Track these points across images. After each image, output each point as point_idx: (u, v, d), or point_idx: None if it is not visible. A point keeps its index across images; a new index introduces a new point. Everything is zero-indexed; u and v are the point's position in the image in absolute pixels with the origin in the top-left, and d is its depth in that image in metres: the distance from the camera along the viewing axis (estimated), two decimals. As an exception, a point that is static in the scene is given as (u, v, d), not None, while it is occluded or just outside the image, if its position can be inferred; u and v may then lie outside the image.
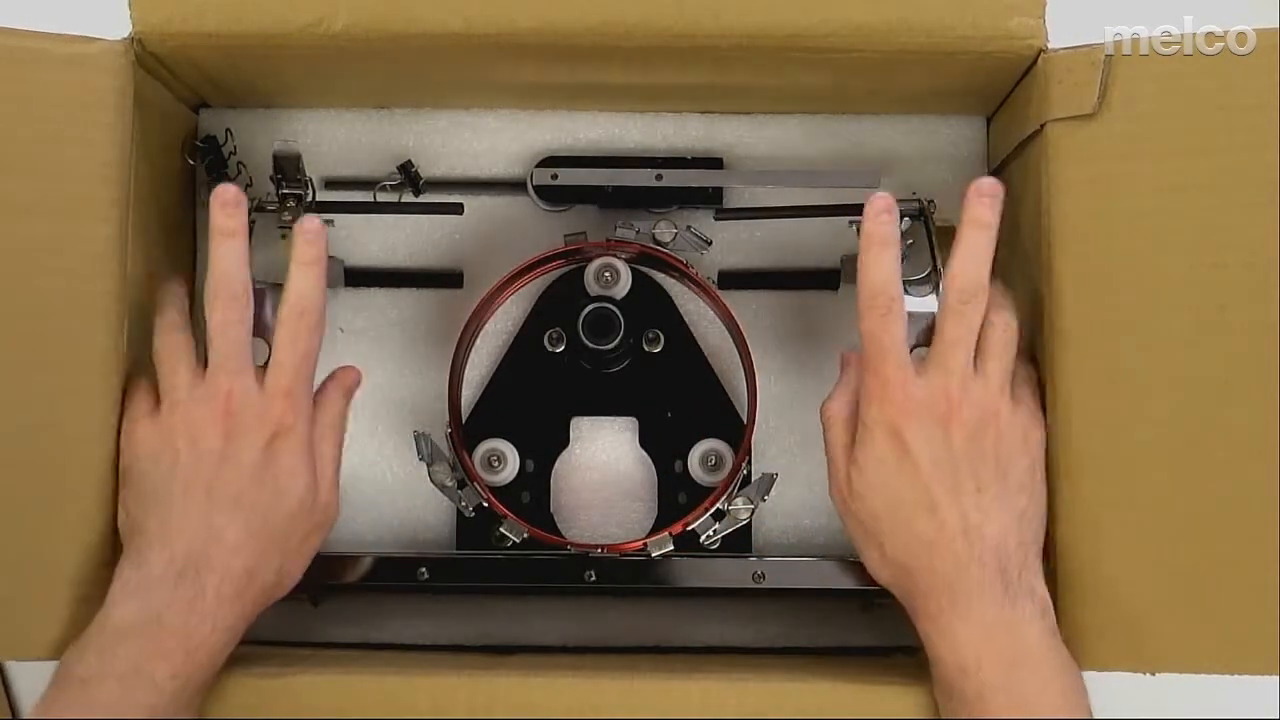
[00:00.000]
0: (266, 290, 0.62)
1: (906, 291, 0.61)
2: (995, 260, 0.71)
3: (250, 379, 0.58)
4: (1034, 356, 0.62)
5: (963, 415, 0.57)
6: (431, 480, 0.65)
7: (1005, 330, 0.59)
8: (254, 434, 0.57)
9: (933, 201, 0.65)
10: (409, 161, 0.71)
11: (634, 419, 0.71)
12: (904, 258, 0.62)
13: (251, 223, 0.64)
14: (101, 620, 0.56)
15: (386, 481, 0.72)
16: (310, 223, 0.59)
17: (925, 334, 0.60)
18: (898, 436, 0.57)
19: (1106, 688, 0.58)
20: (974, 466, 0.56)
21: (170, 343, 0.60)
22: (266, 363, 0.59)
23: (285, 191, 0.66)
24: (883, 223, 0.58)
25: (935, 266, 0.62)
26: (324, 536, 0.61)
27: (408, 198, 0.70)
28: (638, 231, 0.68)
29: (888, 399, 0.57)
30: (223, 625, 0.56)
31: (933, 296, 0.61)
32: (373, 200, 0.70)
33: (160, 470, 0.57)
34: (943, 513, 0.56)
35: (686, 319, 0.71)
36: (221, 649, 0.57)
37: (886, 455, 0.57)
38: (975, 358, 0.58)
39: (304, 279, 0.59)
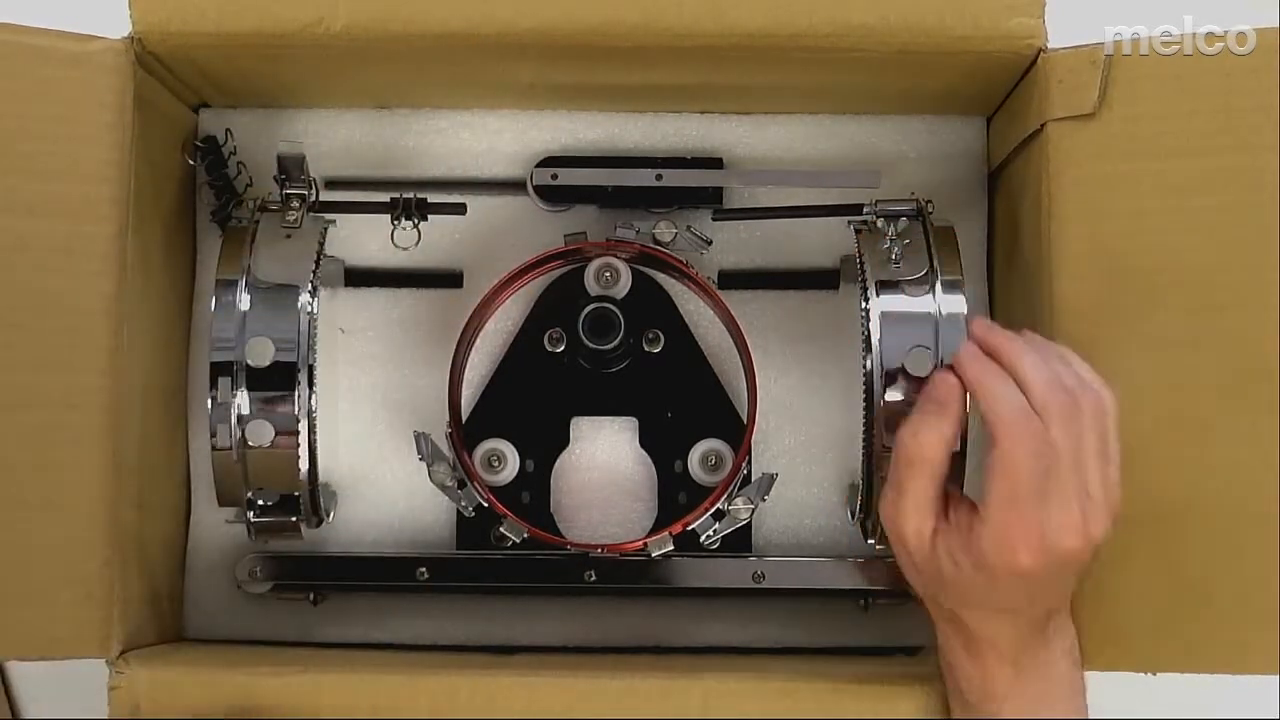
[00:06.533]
0: (269, 292, 0.62)
1: (903, 292, 0.61)
2: (993, 264, 0.72)
3: None
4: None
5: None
6: (431, 480, 0.65)
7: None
8: None
9: (930, 202, 0.65)
10: (404, 198, 0.68)
11: (634, 419, 0.71)
12: (902, 257, 0.62)
13: (255, 223, 0.64)
14: None
15: (386, 481, 0.72)
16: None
17: (926, 336, 0.60)
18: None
19: (1107, 688, 0.58)
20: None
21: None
22: (272, 364, 0.60)
23: (289, 192, 0.65)
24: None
25: (932, 266, 0.62)
26: None
27: (408, 227, 0.68)
28: (638, 231, 0.68)
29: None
30: None
31: (929, 297, 0.61)
32: (373, 201, 0.70)
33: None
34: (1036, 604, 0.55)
35: (686, 319, 0.71)
36: None
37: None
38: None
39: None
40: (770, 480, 0.66)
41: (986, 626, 0.54)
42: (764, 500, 0.66)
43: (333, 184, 0.71)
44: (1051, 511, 0.50)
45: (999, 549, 0.51)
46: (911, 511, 0.54)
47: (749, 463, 0.69)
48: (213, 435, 0.61)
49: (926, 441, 0.53)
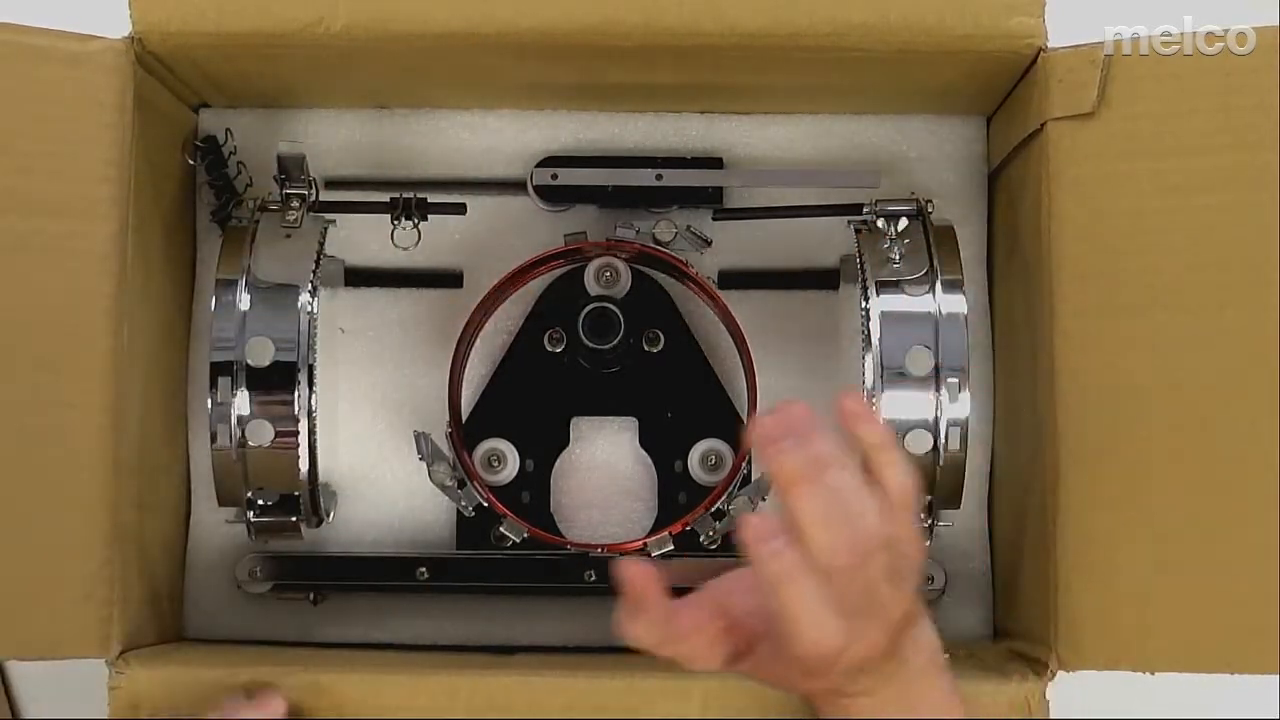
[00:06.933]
0: (269, 292, 0.62)
1: (903, 291, 0.61)
2: (993, 264, 0.72)
3: None
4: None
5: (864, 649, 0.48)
6: (431, 480, 0.65)
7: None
8: None
9: (931, 201, 0.65)
10: (404, 198, 0.68)
11: (634, 419, 0.71)
12: (902, 256, 0.62)
13: (255, 223, 0.64)
14: None
15: (386, 481, 0.72)
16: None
17: (926, 336, 0.60)
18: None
19: (1107, 688, 0.58)
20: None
21: None
22: (272, 364, 0.60)
23: (289, 192, 0.66)
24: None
25: (932, 266, 0.62)
26: None
27: (408, 227, 0.69)
28: (638, 231, 0.68)
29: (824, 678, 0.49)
30: None
31: (929, 297, 0.61)
32: (373, 201, 0.70)
33: None
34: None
35: (686, 319, 0.71)
36: None
37: None
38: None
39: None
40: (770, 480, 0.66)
41: (833, 682, 0.51)
42: (764, 500, 0.66)
43: (333, 184, 0.71)
44: (851, 648, 0.47)
45: (807, 679, 0.50)
46: (700, 664, 0.50)
47: (749, 463, 0.69)
48: (213, 435, 0.61)
49: (643, 638, 0.50)
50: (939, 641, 0.52)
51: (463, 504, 0.66)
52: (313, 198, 0.66)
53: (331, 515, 0.69)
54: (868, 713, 0.51)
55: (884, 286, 0.61)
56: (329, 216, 0.66)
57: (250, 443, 0.61)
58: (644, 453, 0.71)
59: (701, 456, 0.70)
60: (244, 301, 0.62)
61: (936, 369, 0.60)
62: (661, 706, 0.58)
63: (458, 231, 0.72)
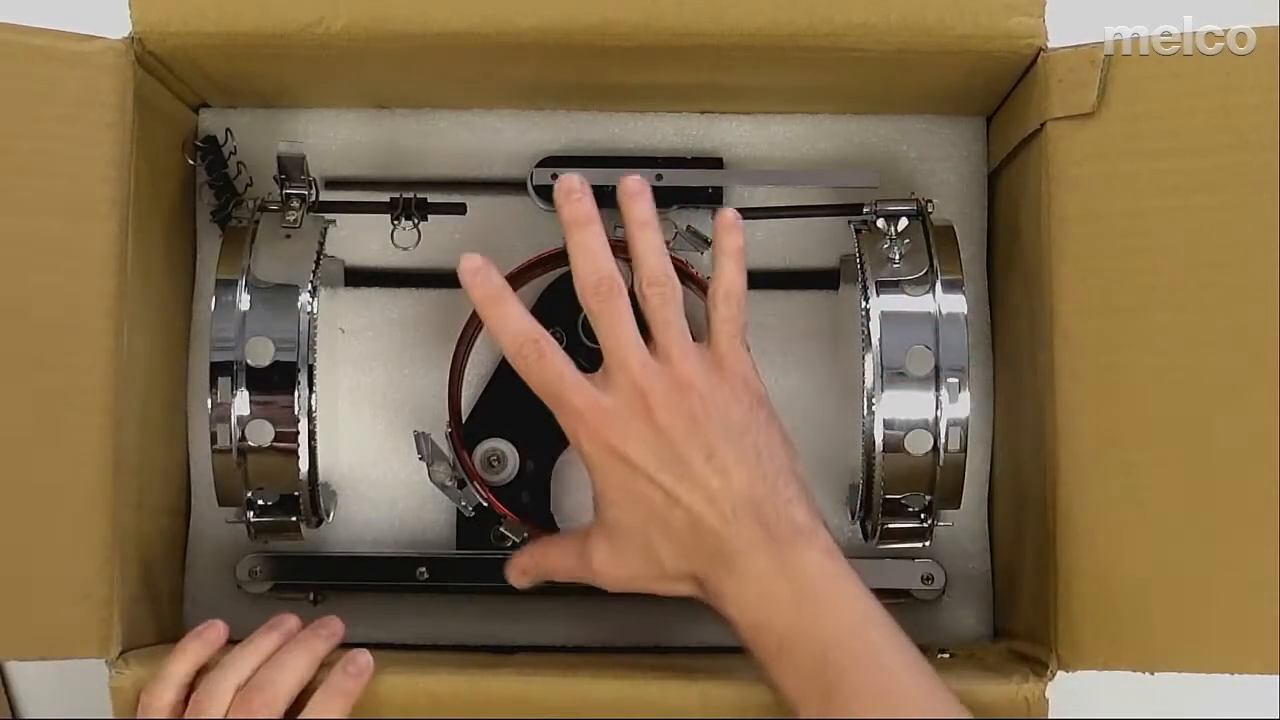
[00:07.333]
0: (269, 292, 0.62)
1: (903, 292, 0.61)
2: (993, 264, 0.72)
3: None
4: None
5: (659, 401, 0.56)
6: (431, 480, 0.65)
7: (662, 299, 0.58)
8: None
9: (931, 201, 0.65)
10: (404, 198, 0.69)
11: (634, 419, 0.71)
12: (902, 256, 0.62)
13: (255, 223, 0.64)
14: None
15: (386, 481, 0.72)
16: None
17: (926, 336, 0.61)
18: (616, 454, 0.56)
19: (1106, 687, 0.58)
20: (694, 438, 0.56)
21: None
22: (272, 364, 0.60)
23: (289, 192, 0.66)
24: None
25: (932, 266, 0.62)
26: None
27: (408, 227, 0.69)
28: (638, 231, 0.68)
29: (588, 425, 0.57)
30: None
31: (929, 297, 0.61)
32: (373, 201, 0.70)
33: None
34: (686, 499, 0.55)
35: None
36: None
37: (616, 473, 0.56)
38: (648, 340, 0.57)
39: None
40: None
41: (692, 550, 0.55)
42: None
43: (333, 184, 0.71)
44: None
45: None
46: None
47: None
48: (213, 435, 0.61)
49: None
50: (816, 523, 0.56)
51: (463, 504, 0.66)
52: (313, 198, 0.66)
53: (331, 515, 0.69)
54: (748, 598, 0.54)
55: (884, 286, 0.62)
56: (329, 216, 0.67)
57: (250, 443, 0.61)
58: (644, 453, 0.71)
59: (701, 456, 0.70)
60: (244, 302, 0.62)
61: (936, 369, 0.60)
62: (661, 706, 0.58)
63: (458, 231, 0.72)
